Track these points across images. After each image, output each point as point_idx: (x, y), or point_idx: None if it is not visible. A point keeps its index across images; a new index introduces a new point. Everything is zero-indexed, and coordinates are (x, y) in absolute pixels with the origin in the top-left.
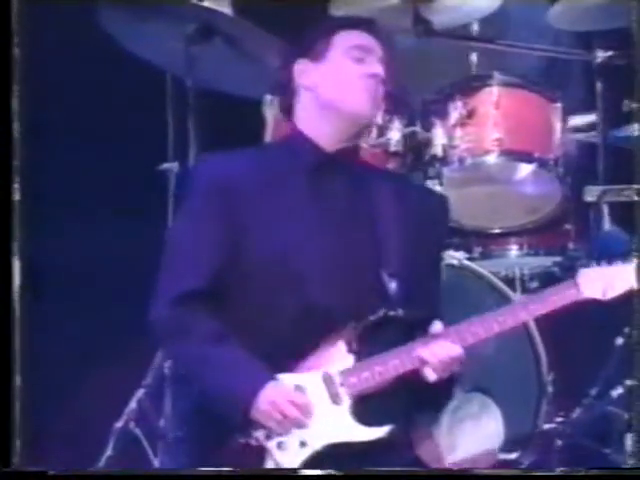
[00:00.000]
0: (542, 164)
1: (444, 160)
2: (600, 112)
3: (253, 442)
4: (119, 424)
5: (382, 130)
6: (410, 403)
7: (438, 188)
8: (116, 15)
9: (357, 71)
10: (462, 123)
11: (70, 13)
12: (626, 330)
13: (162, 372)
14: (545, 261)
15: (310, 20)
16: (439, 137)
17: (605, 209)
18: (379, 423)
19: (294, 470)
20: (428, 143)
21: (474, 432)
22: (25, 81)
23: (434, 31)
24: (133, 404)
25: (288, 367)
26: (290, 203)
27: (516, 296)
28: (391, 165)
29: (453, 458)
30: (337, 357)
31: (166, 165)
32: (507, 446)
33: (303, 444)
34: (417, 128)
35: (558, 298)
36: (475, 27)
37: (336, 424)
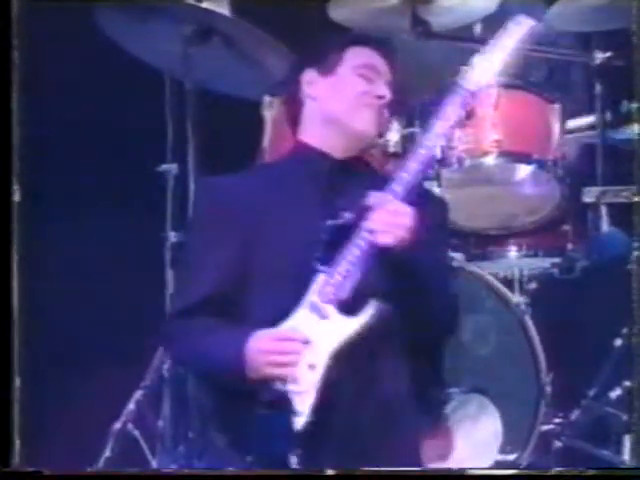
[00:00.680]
0: (541, 165)
1: (443, 161)
2: (599, 113)
3: (278, 393)
4: (117, 425)
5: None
6: None
7: (437, 189)
8: (114, 16)
9: (365, 90)
10: (461, 124)
11: (68, 14)
12: (624, 331)
13: (161, 373)
14: (544, 262)
15: (308, 21)
16: (438, 138)
17: (604, 210)
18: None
19: (294, 470)
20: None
21: (472, 433)
22: (24, 83)
23: (432, 32)
24: (131, 405)
25: None
26: (304, 214)
27: (515, 297)
28: (390, 166)
29: (450, 459)
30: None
31: (165, 166)
32: (505, 447)
33: (312, 367)
34: (416, 129)
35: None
36: (477, 28)
37: (330, 333)
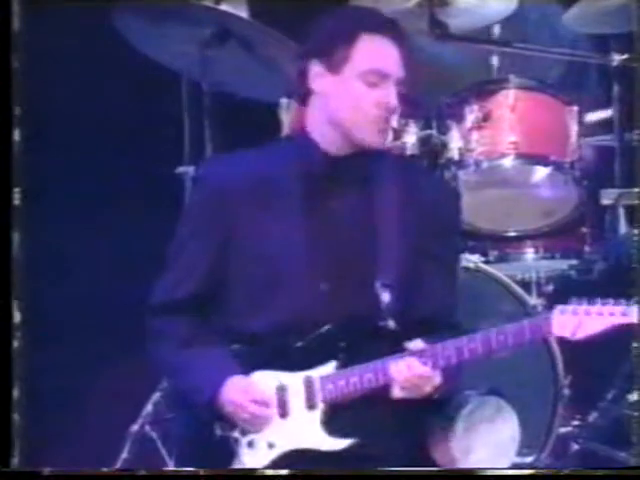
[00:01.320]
0: (558, 167)
1: (460, 163)
2: (616, 115)
3: (231, 438)
4: (135, 427)
5: (398, 133)
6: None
7: None
8: (132, 19)
9: (370, 97)
10: (478, 126)
11: (86, 16)
12: None
13: None
14: (561, 264)
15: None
16: (455, 140)
17: (621, 212)
18: (345, 435)
19: (294, 470)
20: (444, 146)
21: (489, 435)
22: (38, 86)
23: (450, 34)
24: (149, 407)
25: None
26: (288, 209)
27: (532, 299)
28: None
29: (467, 461)
30: (321, 363)
31: (182, 168)
32: (523, 450)
33: (271, 445)
34: (433, 131)
35: (529, 333)
36: (496, 30)
37: (306, 429)
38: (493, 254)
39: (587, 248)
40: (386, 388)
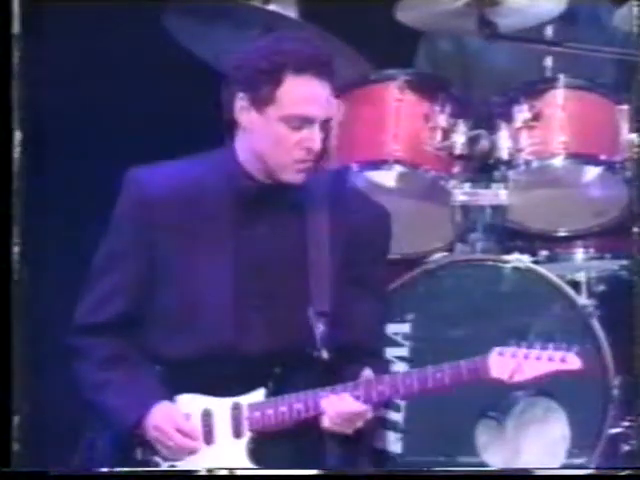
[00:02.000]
0: (608, 167)
1: (510, 163)
2: None
3: (151, 462)
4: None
5: (447, 133)
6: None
7: (503, 191)
8: (181, 19)
9: (293, 139)
10: (528, 126)
11: (136, 14)
12: None
13: None
14: (612, 264)
15: (375, 22)
16: (504, 140)
17: None
18: (271, 465)
19: (295, 470)
20: (493, 146)
21: (539, 436)
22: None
23: (500, 34)
24: None
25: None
26: (215, 232)
27: (582, 299)
28: (456, 169)
29: (518, 462)
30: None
31: None
32: (573, 451)
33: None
34: (482, 131)
35: (467, 373)
36: (545, 29)
37: (231, 458)
38: (543, 254)
39: (638, 248)
40: (316, 419)
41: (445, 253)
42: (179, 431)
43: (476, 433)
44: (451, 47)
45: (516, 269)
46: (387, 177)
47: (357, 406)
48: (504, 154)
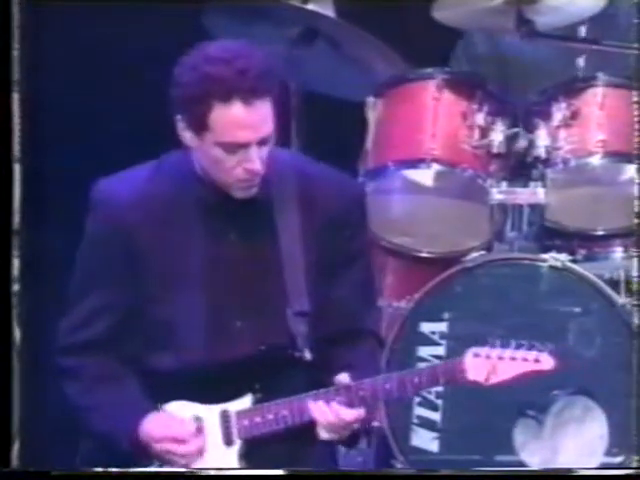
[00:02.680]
0: None
1: (547, 162)
2: None
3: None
4: None
5: (485, 132)
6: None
7: (541, 190)
8: (220, 18)
9: (231, 161)
10: (566, 124)
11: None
12: None
13: None
14: None
15: (412, 21)
16: (542, 139)
17: None
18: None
19: (295, 470)
20: (531, 145)
21: (577, 435)
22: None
23: (537, 32)
24: None
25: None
26: (186, 243)
27: (621, 298)
28: (493, 167)
29: (556, 461)
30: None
31: None
32: (612, 450)
33: None
34: (520, 130)
35: (442, 376)
36: (583, 28)
37: (224, 465)
38: (581, 253)
39: None
40: (304, 426)
41: (482, 252)
42: (173, 440)
43: (514, 432)
44: (488, 45)
45: (553, 268)
46: (424, 176)
47: (349, 413)
48: (542, 153)
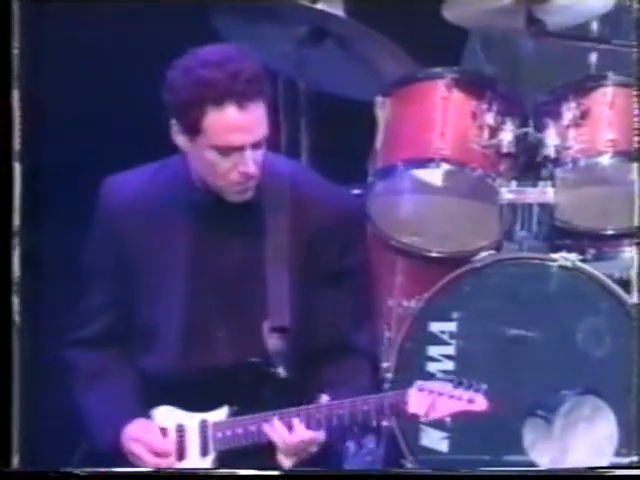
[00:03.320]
0: None
1: (557, 161)
2: None
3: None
4: None
5: (494, 131)
6: None
7: (551, 190)
8: (229, 18)
9: (225, 165)
10: (576, 124)
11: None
12: None
13: None
14: None
15: (422, 21)
16: (552, 138)
17: None
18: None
19: (294, 470)
20: (541, 144)
21: (587, 435)
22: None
23: (547, 31)
24: None
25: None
26: (176, 245)
27: (631, 298)
28: (503, 167)
29: (565, 461)
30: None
31: None
32: (621, 450)
33: None
34: (530, 129)
35: (388, 407)
36: (593, 27)
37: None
38: (591, 253)
39: None
40: (269, 442)
41: (492, 251)
42: (152, 452)
43: (523, 432)
44: (498, 45)
45: (563, 268)
46: (434, 175)
47: (307, 434)
48: (551, 152)
